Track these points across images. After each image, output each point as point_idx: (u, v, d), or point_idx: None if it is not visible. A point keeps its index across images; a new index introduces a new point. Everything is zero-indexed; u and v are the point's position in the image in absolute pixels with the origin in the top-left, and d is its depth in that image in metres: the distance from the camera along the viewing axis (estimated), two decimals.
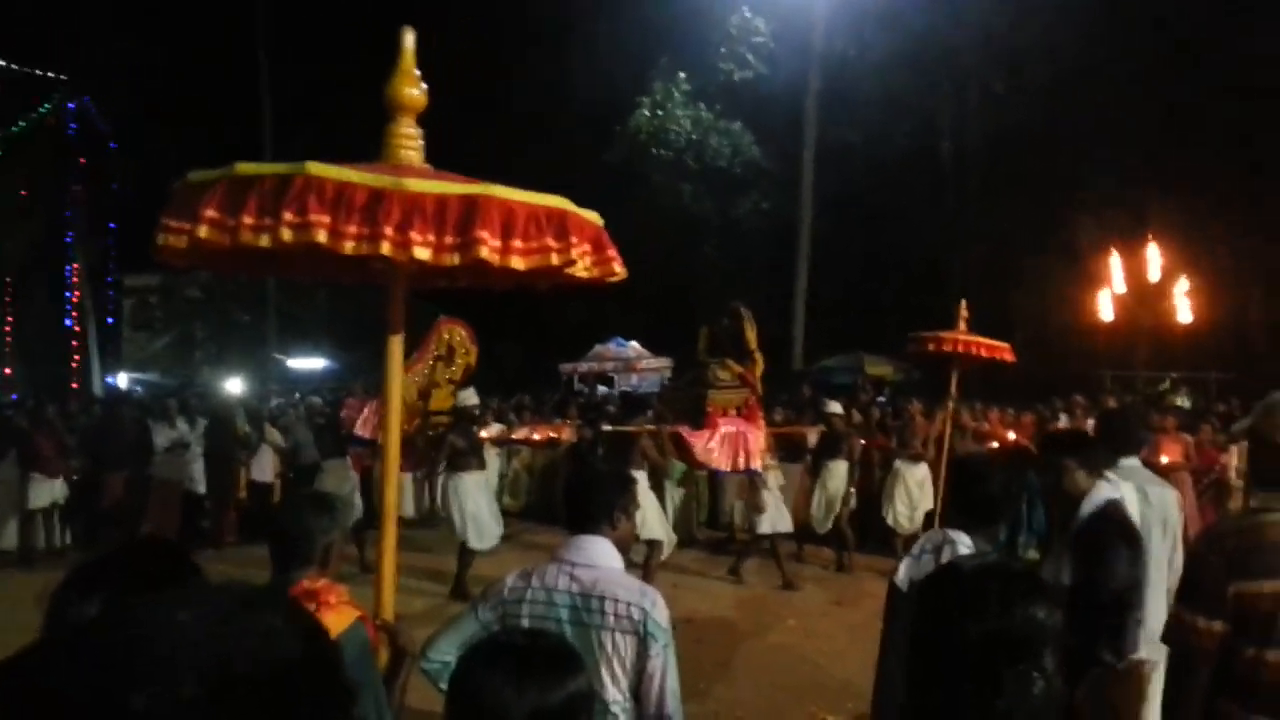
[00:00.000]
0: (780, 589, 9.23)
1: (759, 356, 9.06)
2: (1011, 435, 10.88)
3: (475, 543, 8.91)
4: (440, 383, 9.19)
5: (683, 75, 25.19)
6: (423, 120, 3.00)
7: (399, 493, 10.11)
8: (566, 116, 25.86)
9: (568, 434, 12.78)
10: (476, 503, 9.00)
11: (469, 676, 1.57)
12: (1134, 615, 3.61)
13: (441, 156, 2.90)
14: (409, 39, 2.95)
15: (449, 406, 9.22)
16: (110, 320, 33.45)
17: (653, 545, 8.42)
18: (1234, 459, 9.86)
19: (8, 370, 29.95)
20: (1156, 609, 3.80)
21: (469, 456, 9.03)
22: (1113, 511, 3.70)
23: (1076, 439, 4.23)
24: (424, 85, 2.96)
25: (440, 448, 9.00)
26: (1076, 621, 2.86)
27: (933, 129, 24.85)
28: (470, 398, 9.18)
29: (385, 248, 2.38)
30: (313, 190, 2.38)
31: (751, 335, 8.95)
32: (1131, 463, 4.08)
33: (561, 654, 1.59)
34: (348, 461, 10.02)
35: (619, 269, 2.95)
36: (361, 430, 9.24)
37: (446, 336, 9.25)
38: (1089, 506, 3.60)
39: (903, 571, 3.15)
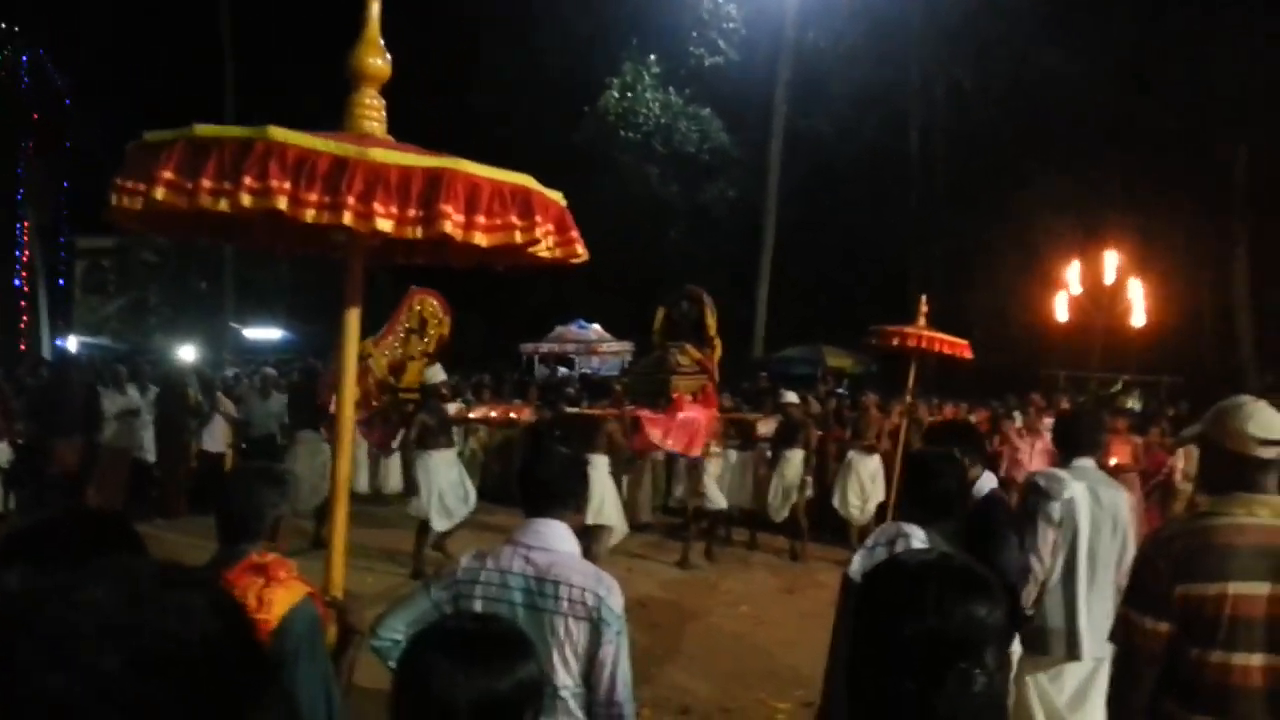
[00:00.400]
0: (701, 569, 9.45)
1: (718, 342, 9.08)
2: None
3: (436, 522, 8.80)
4: (415, 355, 9.09)
5: (653, 58, 25.09)
6: (387, 95, 2.95)
7: (353, 467, 9.95)
8: (535, 96, 25.65)
9: (526, 414, 12.73)
10: (445, 480, 8.87)
11: (417, 660, 1.55)
12: (1019, 606, 3.72)
13: (406, 133, 2.85)
14: (375, 7, 2.90)
15: (411, 376, 9.16)
16: (61, 282, 32.70)
17: (603, 530, 8.44)
18: (1181, 462, 10.04)
19: None
20: (1104, 608, 3.85)
21: (438, 434, 8.88)
22: (999, 498, 3.90)
23: (960, 430, 4.32)
24: (388, 55, 2.91)
25: (408, 425, 8.87)
26: None
27: (901, 123, 24.99)
28: (438, 374, 9.04)
29: (347, 218, 2.34)
30: (274, 156, 2.33)
31: (712, 320, 8.98)
32: (1085, 463, 4.14)
33: (512, 640, 1.57)
34: (321, 434, 9.74)
35: (581, 250, 2.93)
36: (331, 407, 9.15)
37: (418, 307, 9.13)
38: (976, 495, 3.68)
39: (856, 563, 3.17)
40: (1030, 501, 4.02)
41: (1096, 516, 3.98)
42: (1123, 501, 4.14)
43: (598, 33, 24.74)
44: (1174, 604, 2.49)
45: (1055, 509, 3.94)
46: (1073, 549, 3.97)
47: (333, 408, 8.92)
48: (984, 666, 1.45)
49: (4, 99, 29.28)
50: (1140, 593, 2.60)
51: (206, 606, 0.81)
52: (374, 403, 9.07)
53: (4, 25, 29.12)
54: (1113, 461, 9.63)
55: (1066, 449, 4.24)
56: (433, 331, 9.26)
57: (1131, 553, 4.02)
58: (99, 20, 27.46)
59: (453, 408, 12.76)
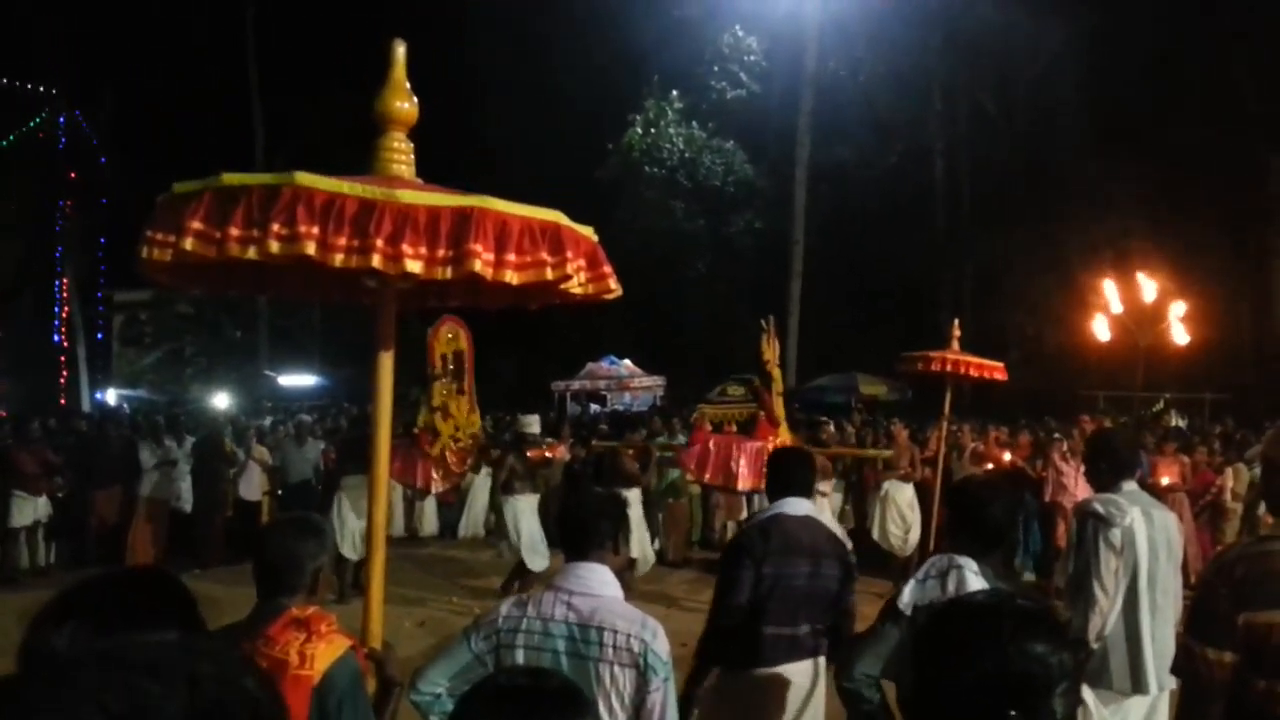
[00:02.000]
0: None
1: (775, 373, 8.96)
2: (1007, 456, 10.81)
3: (534, 563, 8.74)
4: (451, 399, 9.10)
5: (675, 93, 25.27)
6: (413, 136, 2.93)
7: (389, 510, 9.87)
8: (558, 134, 25.87)
9: (561, 453, 12.70)
10: (531, 525, 8.88)
11: (469, 716, 1.48)
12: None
13: (429, 173, 2.83)
14: (400, 51, 2.89)
15: (476, 422, 9.19)
16: (99, 336, 33.18)
17: (632, 563, 8.39)
18: (1230, 481, 9.82)
19: None
20: (1164, 635, 3.72)
21: (525, 479, 8.95)
22: None
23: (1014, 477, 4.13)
24: (415, 99, 2.90)
25: (499, 468, 8.97)
26: None
27: (925, 148, 24.94)
28: (533, 424, 9.21)
29: (376, 260, 2.30)
30: (301, 201, 2.30)
31: (767, 351, 8.88)
32: (1131, 486, 4.03)
33: (568, 696, 1.50)
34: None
35: (614, 285, 2.88)
36: (422, 485, 9.21)
37: (436, 347, 9.16)
38: None
39: (907, 595, 3.06)
40: (1090, 528, 3.89)
41: (1153, 540, 3.86)
42: (1173, 523, 4.03)
43: (619, 70, 24.97)
44: (1237, 633, 2.38)
45: (1117, 535, 3.82)
46: (1134, 576, 3.84)
47: (420, 484, 8.86)
48: (1048, 712, 1.37)
49: (42, 159, 29.93)
50: (1202, 621, 2.48)
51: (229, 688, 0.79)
52: (461, 468, 9.38)
53: (41, 88, 29.83)
54: (1164, 481, 9.43)
55: (1108, 472, 4.08)
56: (451, 357, 9.25)
57: (1181, 577, 3.95)
58: (130, 77, 28.07)
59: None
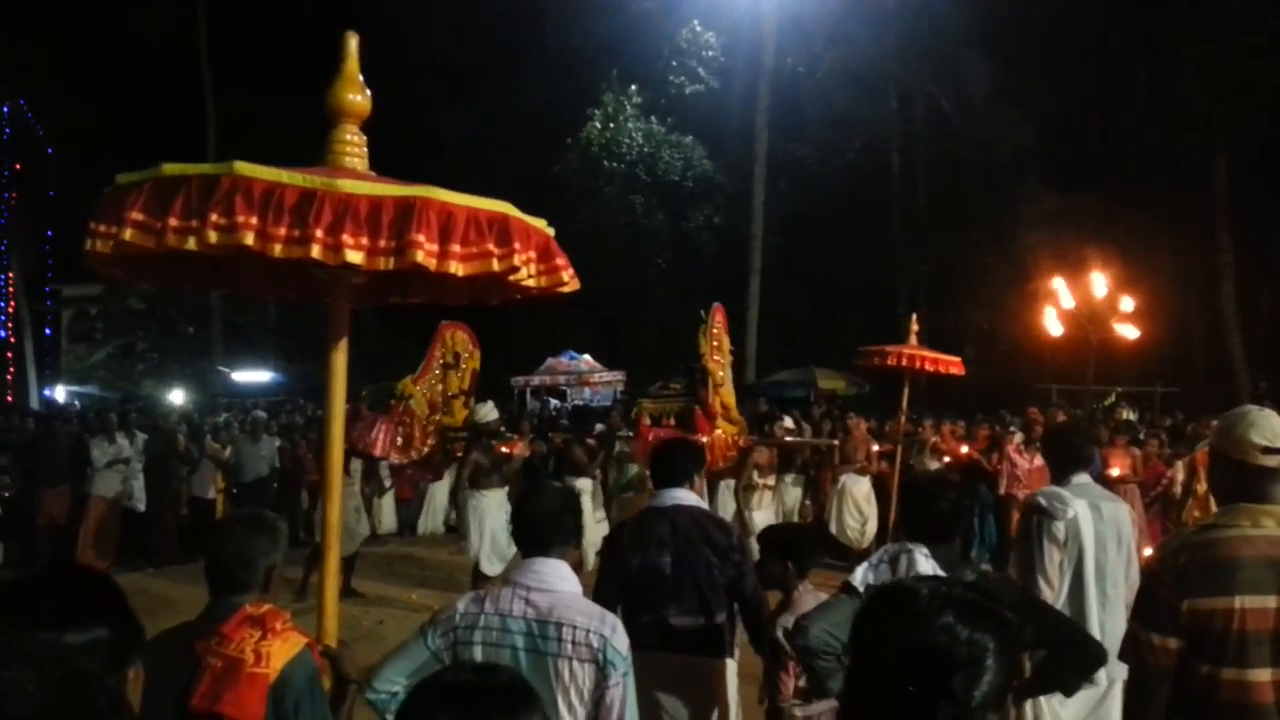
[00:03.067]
0: None
1: (712, 366, 8.88)
2: (964, 449, 10.93)
3: (487, 566, 8.42)
4: (454, 392, 8.88)
5: (634, 88, 25.24)
6: (368, 131, 2.90)
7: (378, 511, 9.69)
8: (516, 128, 25.74)
9: (520, 449, 12.62)
10: (496, 522, 8.48)
11: (415, 714, 1.46)
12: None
13: (386, 169, 2.80)
14: (353, 43, 2.86)
15: (465, 421, 8.93)
16: (48, 331, 32.53)
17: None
18: (1180, 473, 9.97)
19: None
20: (1116, 627, 3.79)
21: (490, 474, 8.62)
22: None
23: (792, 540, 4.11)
24: (368, 91, 2.86)
25: (461, 464, 8.66)
26: None
27: (882, 146, 25.14)
28: (490, 413, 8.78)
29: (316, 250, 2.26)
30: (240, 191, 2.27)
31: (704, 344, 8.80)
32: (1083, 479, 4.08)
33: (516, 693, 1.47)
34: (353, 479, 9.29)
35: (568, 279, 2.85)
36: (377, 450, 8.78)
37: (450, 342, 8.94)
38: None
39: (859, 574, 3.12)
40: (1034, 522, 3.95)
41: (1101, 532, 3.92)
42: (1124, 514, 4.08)
43: (578, 64, 24.88)
44: (1182, 619, 2.43)
45: (1060, 528, 3.88)
46: (1079, 568, 3.90)
47: (374, 451, 8.55)
48: (967, 692, 1.38)
49: None
50: (1148, 609, 2.53)
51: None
52: (422, 447, 8.84)
53: None
54: (1114, 473, 9.58)
55: (1062, 465, 4.17)
56: (465, 366, 9.06)
57: (1136, 567, 3.98)
58: (79, 67, 27.51)
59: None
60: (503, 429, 9.96)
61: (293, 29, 25.73)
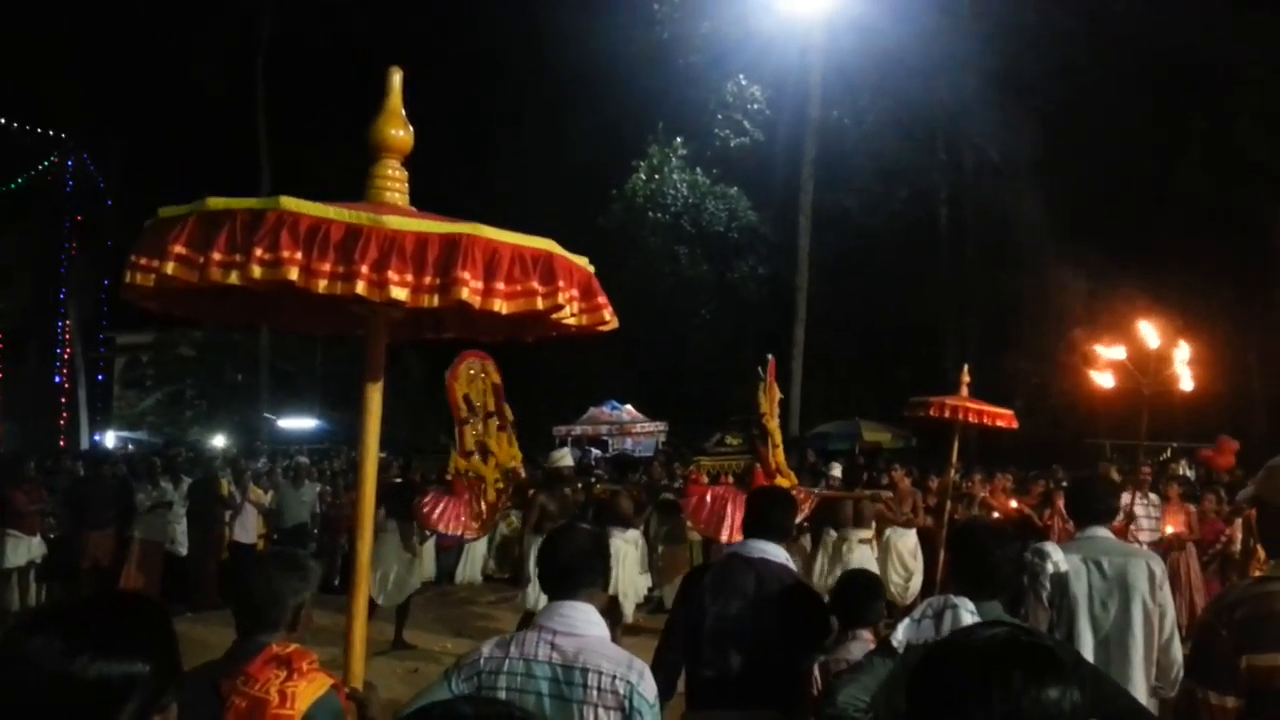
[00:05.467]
0: None
1: (771, 425, 8.74)
2: (1014, 504, 10.68)
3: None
4: (487, 437, 8.67)
5: (679, 140, 25.44)
6: (412, 177, 2.90)
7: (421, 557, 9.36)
8: (561, 179, 26.02)
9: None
10: None
11: None
12: None
13: (431, 210, 2.78)
14: (396, 79, 2.87)
15: (516, 456, 8.75)
16: (100, 378, 33.24)
17: (617, 601, 8.24)
18: (1239, 530, 9.66)
19: None
20: (1123, 683, 3.66)
21: (557, 520, 8.38)
22: None
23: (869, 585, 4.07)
24: (410, 127, 2.86)
25: (529, 508, 8.55)
26: None
27: (929, 195, 25.04)
28: (565, 458, 8.80)
29: (361, 287, 2.25)
30: (286, 226, 2.26)
31: (764, 402, 8.67)
32: (1094, 532, 4.00)
33: None
34: (414, 527, 9.27)
35: (609, 317, 2.82)
36: (450, 531, 8.59)
37: (457, 389, 8.73)
38: None
39: (901, 632, 2.99)
40: (1026, 579, 3.86)
41: (1097, 588, 3.83)
42: (1137, 568, 3.89)
43: (624, 116, 25.17)
44: (1241, 676, 2.29)
45: (1044, 584, 3.81)
46: (1071, 624, 3.81)
47: (442, 529, 8.32)
48: None
49: (50, 203, 30.18)
50: (1204, 665, 2.41)
51: None
52: (500, 507, 8.58)
53: (51, 132, 30.15)
54: (1168, 530, 9.30)
55: (1079, 517, 4.12)
56: (482, 392, 8.86)
57: (1169, 623, 3.86)
58: (139, 120, 28.37)
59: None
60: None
61: (347, 80, 26.36)
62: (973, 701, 1.32)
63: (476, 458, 8.27)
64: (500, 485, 8.26)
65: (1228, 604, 2.44)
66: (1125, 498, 9.12)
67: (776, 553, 3.72)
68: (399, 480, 10.81)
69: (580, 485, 12.10)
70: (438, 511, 8.23)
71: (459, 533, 8.37)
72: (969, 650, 1.41)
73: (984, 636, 1.46)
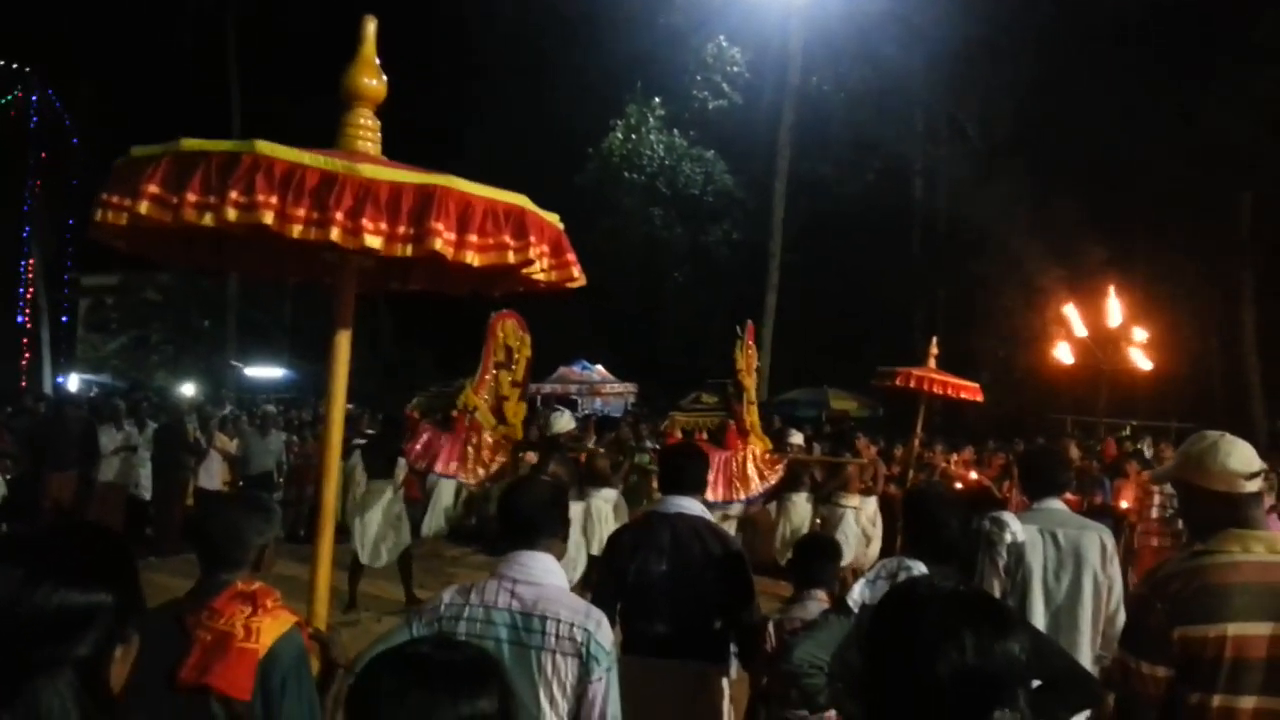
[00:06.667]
0: None
1: (747, 382, 8.80)
2: (973, 475, 10.86)
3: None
4: (506, 393, 8.52)
5: (657, 100, 25.29)
6: (386, 129, 2.91)
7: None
8: (538, 137, 25.83)
9: (530, 457, 12.47)
10: (574, 536, 8.07)
11: (367, 681, 1.42)
12: None
13: (405, 161, 2.79)
14: (370, 27, 2.86)
15: (523, 416, 8.61)
16: (64, 319, 32.74)
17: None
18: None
19: None
20: (1071, 650, 3.76)
21: (570, 485, 8.16)
22: None
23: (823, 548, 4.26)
24: (384, 76, 2.87)
25: (538, 473, 7.99)
26: None
27: (905, 166, 25.10)
28: (566, 423, 8.54)
29: (335, 234, 2.26)
30: (261, 169, 2.27)
31: (740, 359, 8.72)
32: (1050, 504, 4.07)
33: (471, 670, 1.41)
34: (397, 485, 9.13)
35: (578, 274, 2.86)
36: (439, 468, 8.36)
37: (501, 335, 8.64)
38: None
39: (856, 592, 3.07)
40: (980, 545, 3.95)
41: (1051, 558, 3.91)
42: (1090, 541, 3.97)
43: (602, 75, 24.95)
44: (1173, 647, 2.39)
45: (1001, 553, 3.89)
46: (1024, 593, 3.89)
47: (414, 463, 8.16)
48: (1020, 710, 1.36)
49: (13, 139, 29.50)
50: (1138, 636, 2.50)
51: None
52: (491, 463, 8.28)
53: (15, 66, 29.42)
54: (1123, 505, 9.50)
55: (1033, 489, 4.21)
56: (519, 357, 8.76)
57: (1116, 594, 3.96)
58: (108, 60, 27.77)
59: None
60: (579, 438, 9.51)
61: (320, 30, 25.91)
62: (931, 650, 1.37)
63: (485, 407, 8.15)
64: (496, 440, 8.19)
65: (1162, 578, 2.53)
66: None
67: (692, 506, 3.82)
68: (379, 436, 10.25)
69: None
70: (428, 448, 8.11)
71: (448, 474, 8.26)
72: (928, 601, 1.46)
73: (942, 589, 1.51)
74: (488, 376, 8.21)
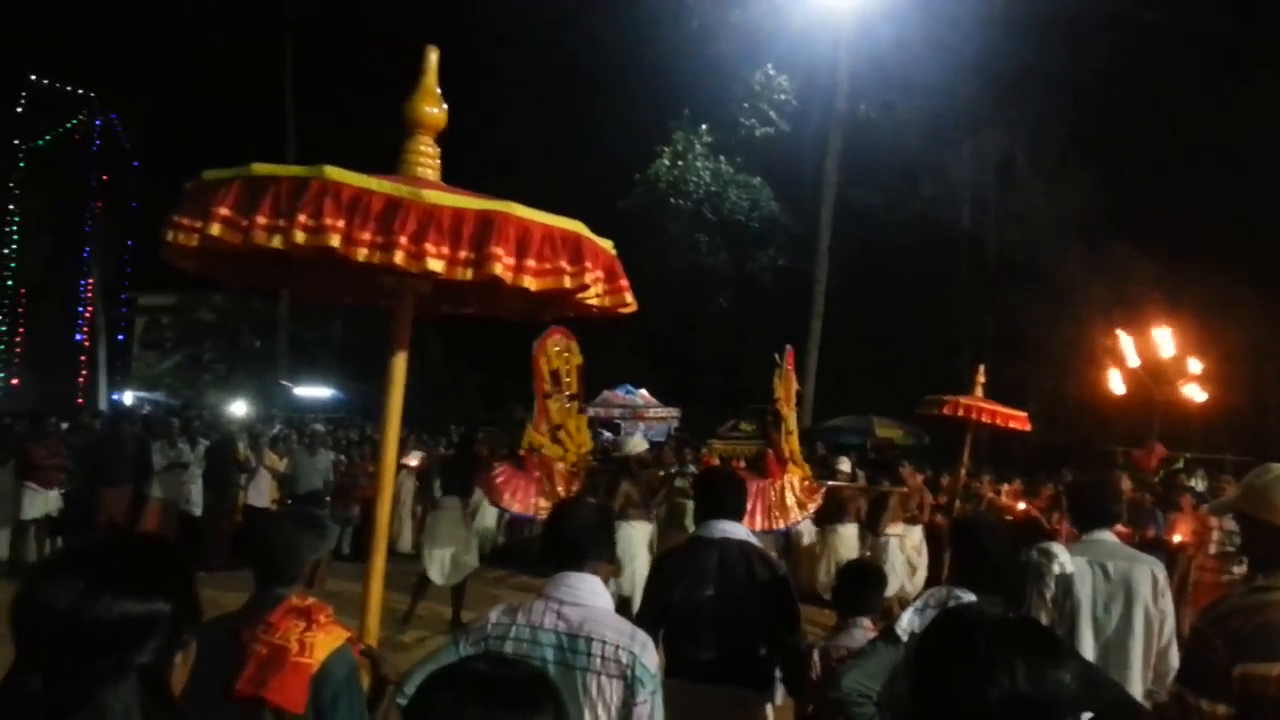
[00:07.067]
0: None
1: (785, 412, 8.73)
2: (1021, 506, 10.70)
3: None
4: (559, 419, 8.46)
5: (704, 128, 25.38)
6: (441, 153, 2.97)
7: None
8: (585, 163, 26.02)
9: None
10: (643, 557, 8.28)
11: (424, 699, 1.44)
12: None
13: (455, 185, 2.85)
14: (433, 57, 2.93)
15: (587, 443, 8.57)
16: (121, 338, 33.51)
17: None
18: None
19: (15, 381, 29.98)
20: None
21: (641, 507, 8.40)
22: None
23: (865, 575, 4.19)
24: (444, 105, 2.93)
25: (610, 495, 8.35)
26: None
27: (952, 194, 24.91)
28: (639, 444, 8.67)
29: (399, 257, 2.32)
30: (329, 194, 2.33)
31: (779, 388, 8.65)
32: (1100, 535, 4.00)
33: (527, 688, 1.43)
34: (470, 504, 9.20)
35: (630, 299, 2.90)
36: (517, 509, 8.31)
37: (545, 363, 8.63)
38: None
39: (905, 620, 3.04)
40: (1029, 577, 3.90)
41: (1100, 591, 3.84)
42: (1142, 574, 3.90)
43: (650, 103, 25.12)
44: (1233, 684, 2.33)
45: (1049, 584, 3.83)
46: (1073, 626, 3.82)
47: (509, 506, 8.14)
48: None
49: (76, 162, 30.40)
50: (1197, 672, 2.44)
51: None
52: (568, 493, 8.14)
53: (80, 91, 30.35)
54: (1176, 539, 9.30)
55: (1082, 520, 4.14)
56: (569, 369, 8.73)
57: (1168, 629, 3.88)
58: (166, 86, 28.53)
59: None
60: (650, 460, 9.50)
61: (375, 54, 26.40)
62: (982, 676, 1.36)
63: (550, 435, 8.13)
64: (569, 469, 8.15)
65: (1222, 613, 2.47)
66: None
67: (736, 530, 3.80)
68: (455, 456, 10.24)
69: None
70: (510, 488, 8.09)
71: (529, 512, 8.20)
72: (977, 627, 1.45)
73: (991, 615, 1.50)
74: (541, 414, 8.21)
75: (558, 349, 8.32)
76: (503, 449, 9.66)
